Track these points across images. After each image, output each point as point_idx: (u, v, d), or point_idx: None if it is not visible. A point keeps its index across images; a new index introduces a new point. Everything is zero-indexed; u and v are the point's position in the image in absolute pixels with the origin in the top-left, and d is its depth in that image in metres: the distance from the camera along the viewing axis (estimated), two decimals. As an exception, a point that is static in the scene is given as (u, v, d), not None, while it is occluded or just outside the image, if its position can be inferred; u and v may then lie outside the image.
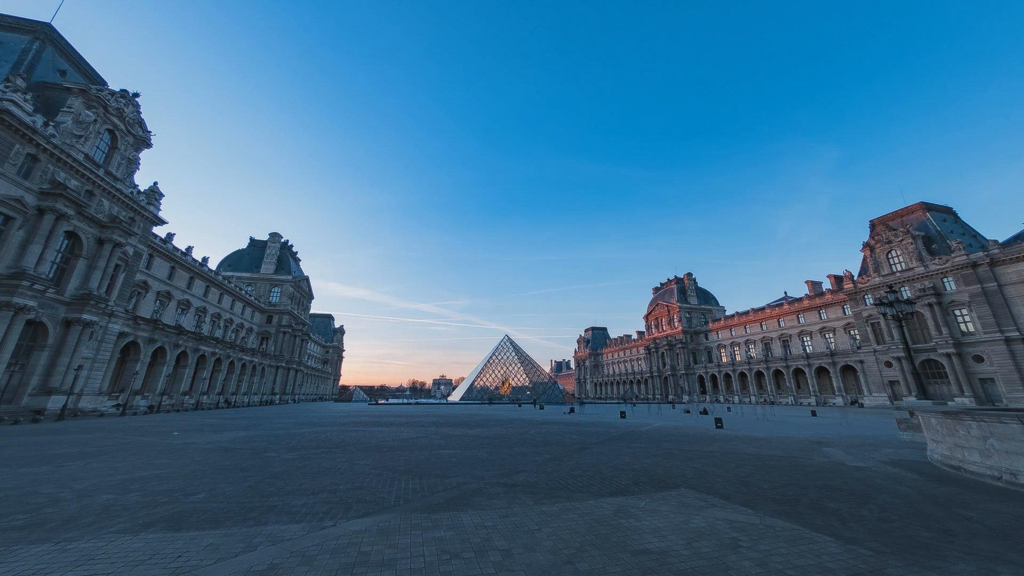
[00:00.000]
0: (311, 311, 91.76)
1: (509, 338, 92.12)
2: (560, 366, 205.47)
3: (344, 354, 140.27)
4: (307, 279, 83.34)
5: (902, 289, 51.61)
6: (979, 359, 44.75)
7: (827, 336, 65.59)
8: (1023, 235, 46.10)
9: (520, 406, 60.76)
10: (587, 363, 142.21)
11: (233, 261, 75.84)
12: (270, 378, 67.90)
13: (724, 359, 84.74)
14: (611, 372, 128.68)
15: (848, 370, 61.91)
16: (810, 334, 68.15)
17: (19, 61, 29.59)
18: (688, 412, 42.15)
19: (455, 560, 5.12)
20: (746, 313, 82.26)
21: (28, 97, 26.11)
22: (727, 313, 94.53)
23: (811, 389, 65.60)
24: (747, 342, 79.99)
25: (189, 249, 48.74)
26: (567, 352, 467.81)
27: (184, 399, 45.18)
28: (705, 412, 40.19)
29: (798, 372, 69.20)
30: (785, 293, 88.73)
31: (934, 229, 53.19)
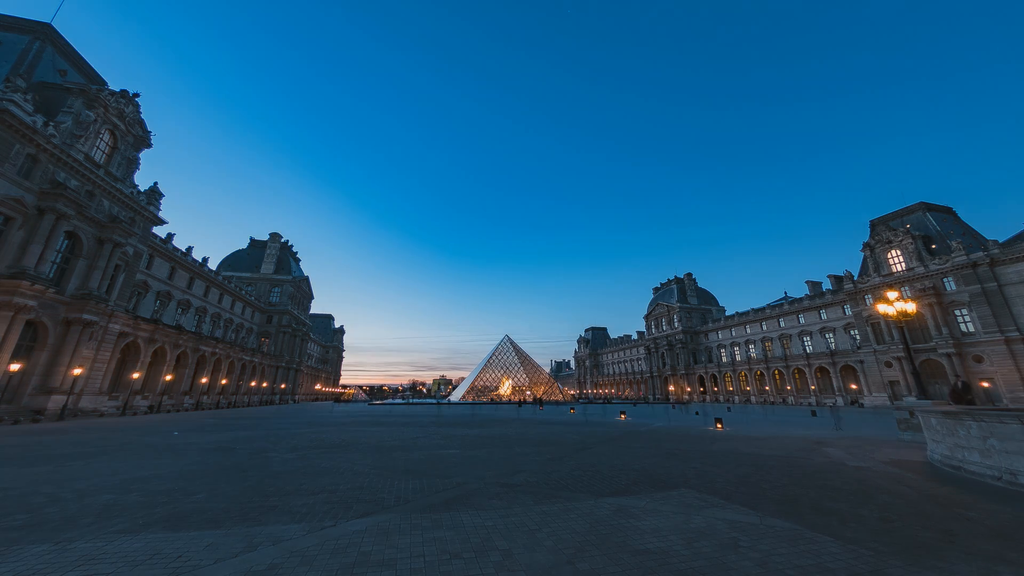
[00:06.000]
0: (311, 311, 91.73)
1: (509, 338, 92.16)
2: (560, 366, 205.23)
3: (344, 354, 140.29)
4: (307, 279, 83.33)
5: (902, 289, 51.60)
6: (979, 359, 44.74)
7: (827, 336, 65.57)
8: (1023, 235, 46.10)
9: (520, 406, 60.75)
10: (587, 363, 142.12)
11: (233, 261, 75.83)
12: (270, 378, 67.88)
13: (724, 359, 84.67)
14: (611, 372, 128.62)
15: (848, 370, 61.88)
16: (810, 334, 68.13)
17: (19, 61, 29.60)
18: (696, 414, 42.15)
19: (455, 560, 5.12)
20: (746, 313, 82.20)
21: (28, 97, 26.10)
22: (727, 313, 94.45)
23: (811, 389, 65.61)
24: (747, 342, 79.95)
25: (189, 249, 48.75)
26: (567, 352, 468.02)
27: (184, 399, 45.19)
28: (697, 413, 40.15)
29: (798, 372, 69.19)
30: (785, 293, 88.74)
31: (934, 229, 53.18)
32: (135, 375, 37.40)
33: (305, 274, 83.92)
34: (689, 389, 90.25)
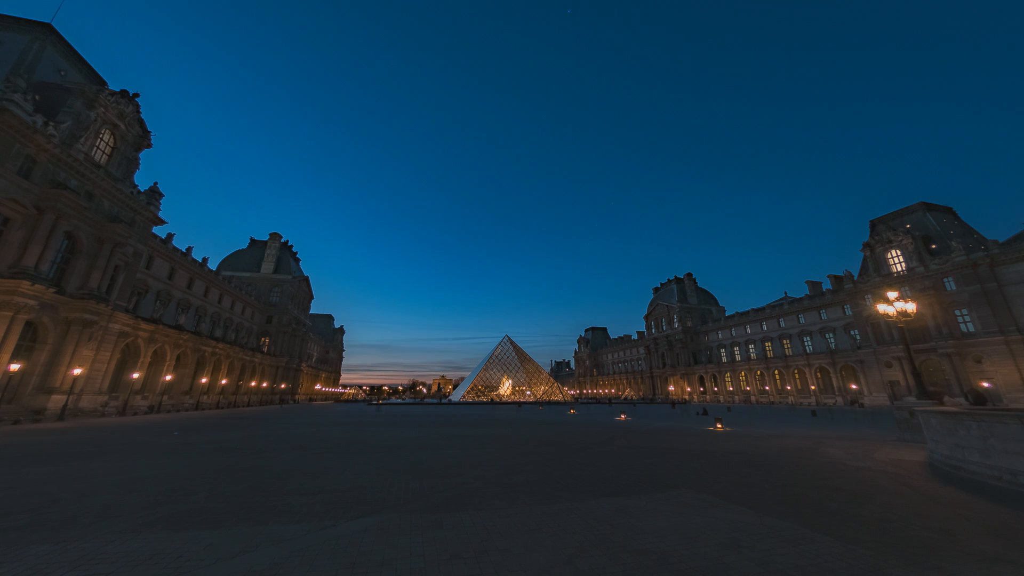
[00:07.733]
0: (311, 311, 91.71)
1: (509, 338, 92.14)
2: (560, 366, 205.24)
3: (344, 354, 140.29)
4: (307, 279, 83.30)
5: (902, 289, 51.58)
6: (979, 359, 44.72)
7: (827, 336, 65.54)
8: (1023, 235, 46.08)
9: (520, 406, 60.75)
10: (587, 363, 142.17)
11: (233, 261, 75.83)
12: (270, 378, 67.86)
13: (724, 359, 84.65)
14: (611, 372, 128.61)
15: (848, 370, 61.87)
16: (810, 334, 68.11)
17: (19, 61, 29.59)
18: (699, 414, 42.14)
19: (455, 560, 5.12)
20: (746, 313, 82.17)
21: (28, 97, 26.10)
22: (727, 313, 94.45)
23: (811, 389, 65.59)
24: (747, 342, 79.92)
25: (189, 249, 48.72)
26: (567, 352, 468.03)
27: (184, 399, 45.16)
28: (705, 412, 40.12)
29: (798, 372, 69.19)
30: (785, 293, 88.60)
31: (934, 229, 53.16)
32: (135, 375, 37.38)
33: (305, 274, 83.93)
34: (689, 389, 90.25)
